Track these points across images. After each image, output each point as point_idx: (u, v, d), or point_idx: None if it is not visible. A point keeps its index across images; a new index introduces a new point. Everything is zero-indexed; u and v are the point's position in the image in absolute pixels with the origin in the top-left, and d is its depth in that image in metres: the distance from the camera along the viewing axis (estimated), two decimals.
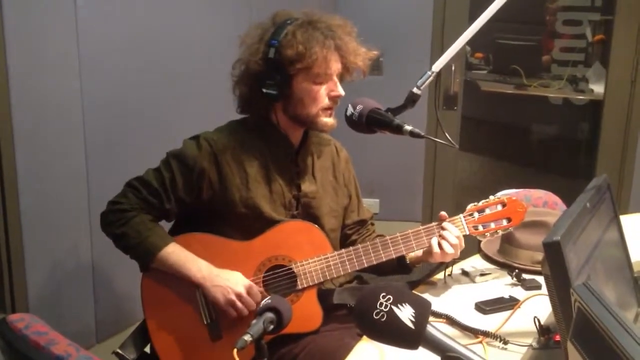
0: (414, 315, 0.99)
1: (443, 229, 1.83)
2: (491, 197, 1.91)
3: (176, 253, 1.80)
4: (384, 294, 1.00)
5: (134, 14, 2.66)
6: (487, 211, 1.88)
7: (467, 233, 1.86)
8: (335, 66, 1.84)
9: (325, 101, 1.85)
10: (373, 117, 1.73)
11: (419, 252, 1.90)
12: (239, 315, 1.78)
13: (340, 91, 1.86)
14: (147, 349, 1.91)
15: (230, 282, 1.78)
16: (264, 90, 1.83)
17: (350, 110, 1.76)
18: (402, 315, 0.99)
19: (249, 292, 1.79)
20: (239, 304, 1.78)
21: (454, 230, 1.83)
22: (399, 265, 1.92)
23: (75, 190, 2.49)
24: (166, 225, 1.91)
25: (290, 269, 1.83)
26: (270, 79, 1.82)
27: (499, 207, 1.88)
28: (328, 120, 1.87)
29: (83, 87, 2.46)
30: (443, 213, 1.87)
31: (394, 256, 1.84)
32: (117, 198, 1.86)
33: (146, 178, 1.86)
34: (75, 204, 2.50)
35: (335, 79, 1.86)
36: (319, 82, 1.83)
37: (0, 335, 1.32)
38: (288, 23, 1.83)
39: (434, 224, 1.86)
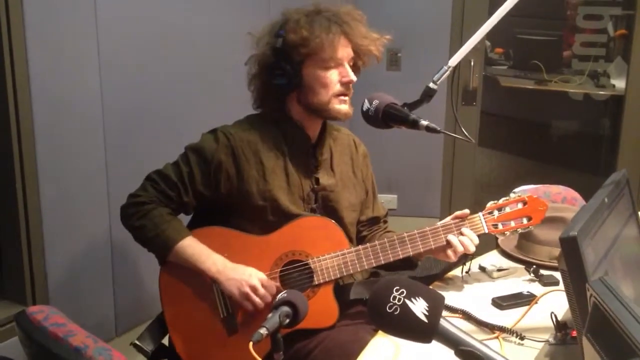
0: (427, 308, 0.99)
1: (462, 234, 1.82)
2: (511, 195, 1.89)
3: (192, 246, 1.82)
4: (397, 287, 1.00)
5: (152, 12, 2.67)
6: (507, 209, 1.86)
7: (486, 231, 1.85)
8: (344, 51, 1.84)
9: (336, 87, 1.85)
10: (389, 112, 1.72)
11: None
12: (255, 308, 1.79)
13: (352, 76, 1.86)
14: (165, 341, 1.93)
15: (245, 275, 1.79)
16: (276, 82, 1.84)
17: (366, 105, 1.76)
18: (415, 309, 0.99)
19: (263, 285, 1.79)
20: (253, 296, 1.78)
21: (473, 237, 1.82)
22: (403, 261, 1.88)
23: (94, 184, 2.52)
24: (185, 218, 1.93)
25: (307, 264, 1.83)
26: (280, 69, 1.83)
27: (520, 205, 1.86)
28: (342, 107, 1.87)
29: (103, 84, 2.49)
30: (464, 212, 1.86)
31: (411, 253, 1.84)
32: (137, 191, 1.88)
33: (165, 171, 1.87)
34: (94, 198, 2.53)
35: (347, 65, 1.85)
36: (328, 68, 1.83)
37: (20, 327, 1.34)
38: (294, 13, 1.85)
39: (452, 221, 1.85)
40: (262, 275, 1.81)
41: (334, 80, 1.84)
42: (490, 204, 1.87)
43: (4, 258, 2.37)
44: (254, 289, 1.78)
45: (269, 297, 1.79)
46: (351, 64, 1.88)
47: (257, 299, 1.78)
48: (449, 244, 1.82)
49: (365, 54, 1.90)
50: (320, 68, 1.83)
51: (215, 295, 1.83)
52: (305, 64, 1.83)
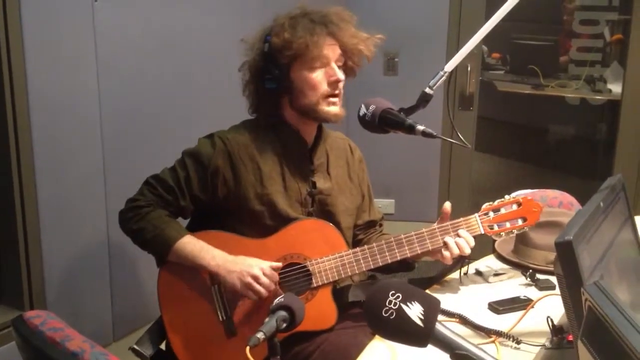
0: (423, 313, 0.99)
1: (459, 235, 1.83)
2: (506, 197, 1.91)
3: (192, 244, 1.82)
4: (393, 291, 1.00)
5: (150, 15, 2.68)
6: (503, 210, 1.87)
7: (482, 232, 1.86)
8: (330, 50, 1.84)
9: (324, 87, 1.85)
10: (385, 117, 1.73)
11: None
12: (259, 297, 1.78)
13: (339, 75, 1.86)
14: (163, 346, 1.93)
15: (245, 265, 1.78)
16: (266, 86, 1.85)
17: (363, 110, 1.77)
18: (411, 313, 0.99)
19: (265, 274, 1.78)
20: (256, 285, 1.77)
21: (470, 239, 1.83)
22: (400, 262, 1.89)
23: (92, 187, 2.52)
24: (182, 223, 1.93)
25: (305, 266, 1.83)
26: (269, 73, 1.85)
27: (515, 207, 1.87)
28: (331, 109, 1.87)
29: (100, 86, 2.49)
30: (445, 208, 1.86)
31: (408, 255, 1.84)
32: (135, 196, 1.89)
33: (162, 176, 1.88)
34: (92, 202, 2.53)
35: (334, 65, 1.86)
36: (314, 68, 1.84)
37: (17, 331, 1.35)
38: (281, 17, 1.86)
39: (448, 223, 1.86)
40: (263, 264, 1.79)
41: (321, 80, 1.85)
42: (485, 206, 1.89)
43: (2, 262, 2.37)
44: (255, 278, 1.77)
45: (271, 285, 1.78)
46: (340, 64, 1.88)
47: (259, 288, 1.77)
48: (445, 246, 1.82)
49: (354, 54, 1.90)
50: (306, 69, 1.84)
51: (214, 298, 1.83)
52: (293, 67, 1.84)
